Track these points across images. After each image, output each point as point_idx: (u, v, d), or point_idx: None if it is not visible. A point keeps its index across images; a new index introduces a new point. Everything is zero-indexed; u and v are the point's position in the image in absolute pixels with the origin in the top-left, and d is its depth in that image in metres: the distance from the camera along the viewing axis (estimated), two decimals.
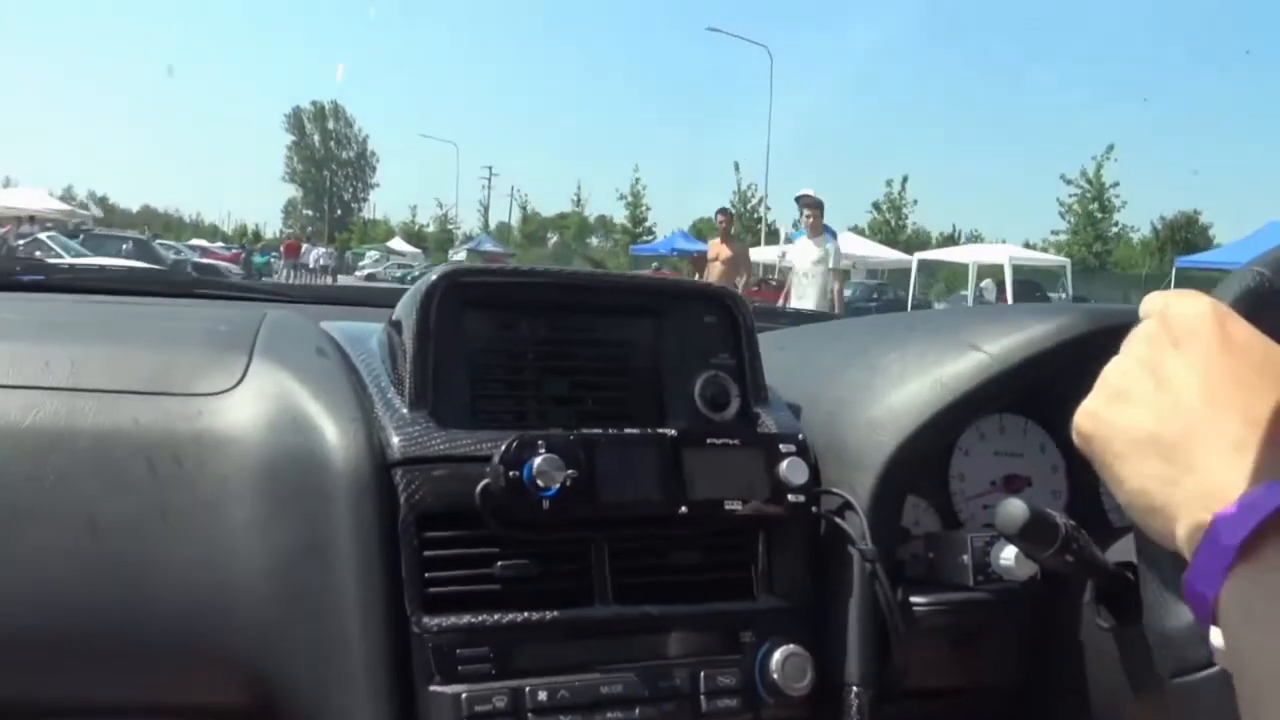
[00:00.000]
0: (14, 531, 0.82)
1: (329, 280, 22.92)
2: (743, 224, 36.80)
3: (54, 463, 0.84)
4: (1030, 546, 0.77)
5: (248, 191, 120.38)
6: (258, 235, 36.20)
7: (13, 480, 0.83)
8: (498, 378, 0.96)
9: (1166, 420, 0.53)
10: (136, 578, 0.83)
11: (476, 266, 1.01)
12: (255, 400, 0.91)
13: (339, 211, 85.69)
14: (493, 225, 66.45)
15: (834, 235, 8.17)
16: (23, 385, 0.88)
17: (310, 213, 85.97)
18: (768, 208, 37.86)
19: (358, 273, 38.29)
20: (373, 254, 48.94)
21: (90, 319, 1.13)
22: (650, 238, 45.01)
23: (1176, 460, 0.52)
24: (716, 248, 9.43)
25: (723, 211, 9.93)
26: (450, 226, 68.30)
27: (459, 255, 44.13)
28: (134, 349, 0.97)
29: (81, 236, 18.55)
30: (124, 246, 17.54)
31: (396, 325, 0.96)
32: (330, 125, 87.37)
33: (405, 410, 0.89)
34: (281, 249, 33.63)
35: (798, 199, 8.37)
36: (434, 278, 0.95)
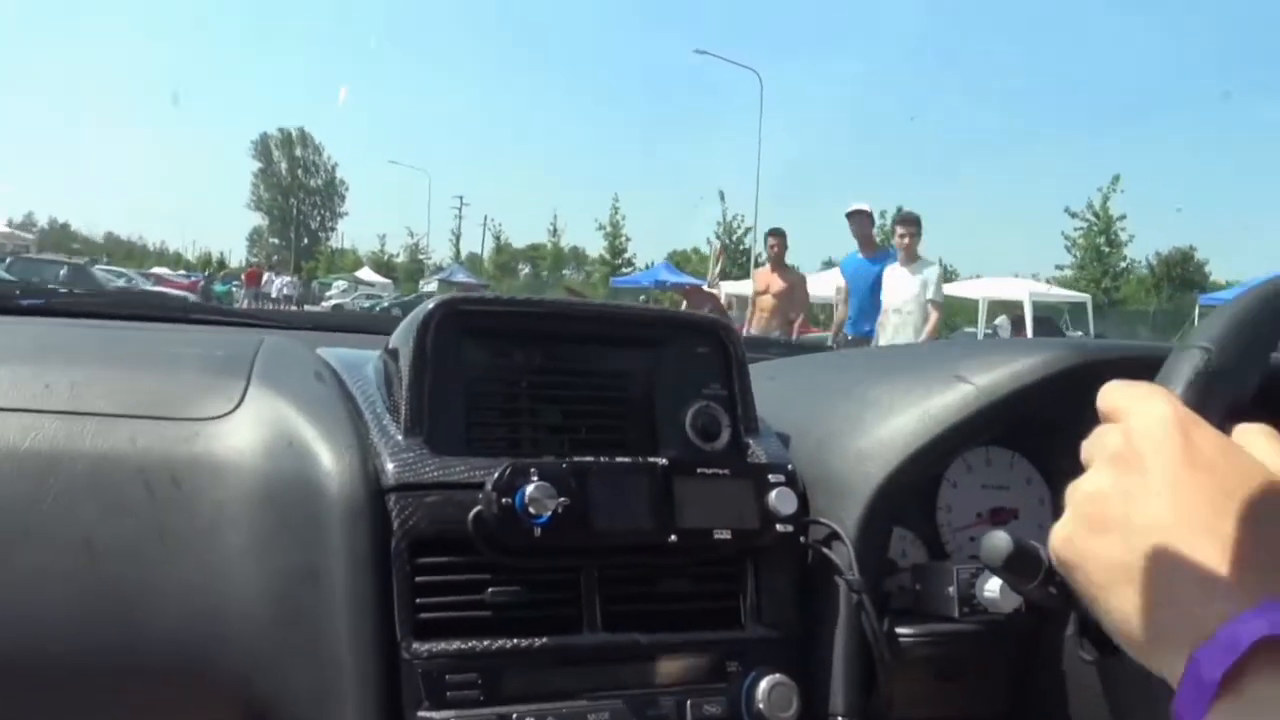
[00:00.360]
0: (11, 553, 0.83)
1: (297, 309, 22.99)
2: (728, 256, 36.28)
3: (52, 485, 0.85)
4: (1014, 579, 0.78)
5: (213, 220, 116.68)
6: (222, 263, 34.69)
7: (11, 502, 0.84)
8: (492, 405, 0.97)
9: (1140, 550, 0.51)
10: (133, 601, 0.83)
11: (474, 296, 1.02)
12: (252, 425, 0.92)
13: (306, 240, 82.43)
14: (464, 255, 65.06)
15: (932, 261, 6.85)
16: (22, 408, 0.89)
17: (276, 241, 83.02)
18: (747, 238, 36.25)
19: (324, 303, 36.88)
20: (340, 284, 47.91)
21: (89, 343, 1.14)
22: (629, 269, 44.57)
23: (1154, 591, 0.51)
24: (765, 277, 7.99)
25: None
26: (421, 256, 66.73)
27: (430, 286, 42.85)
28: (133, 373, 0.99)
29: (9, 260, 18.67)
30: (60, 272, 17.77)
31: (393, 352, 0.98)
32: (298, 152, 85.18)
33: (400, 437, 0.90)
34: (243, 277, 32.71)
35: (851, 215, 7.08)
36: (431, 306, 0.96)
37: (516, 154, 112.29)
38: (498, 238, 62.42)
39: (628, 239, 46.54)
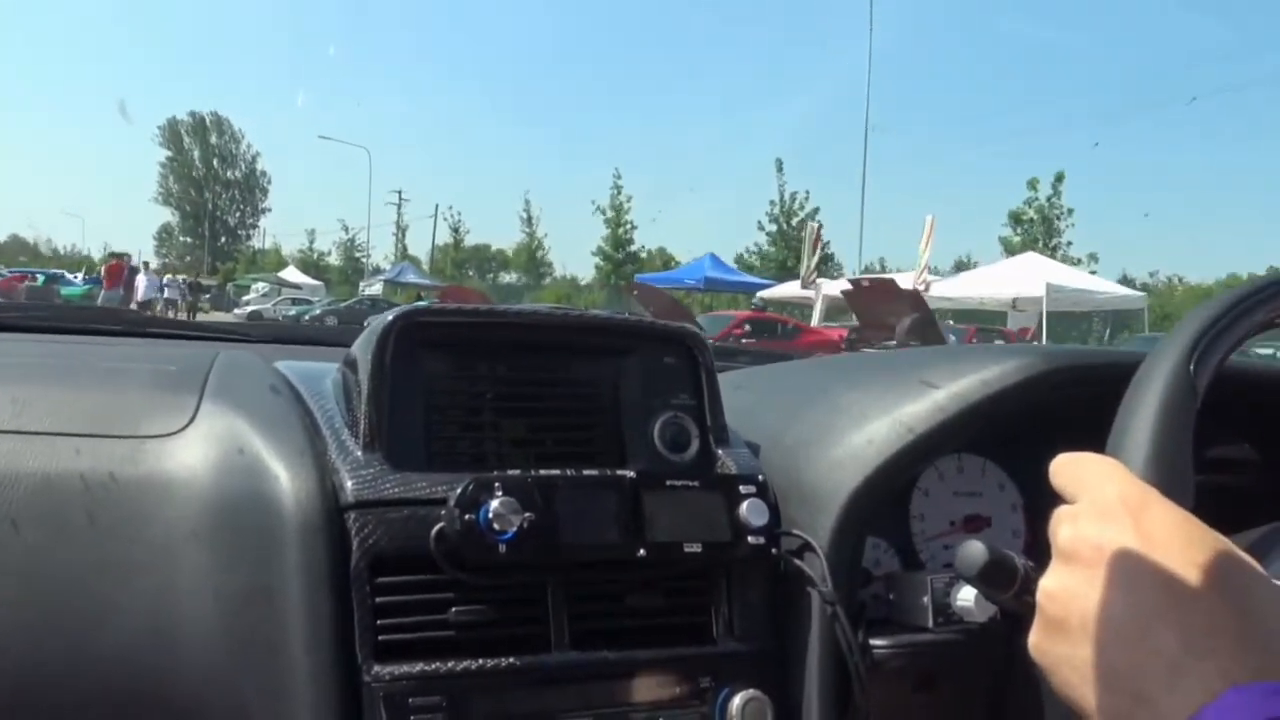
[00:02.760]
0: None
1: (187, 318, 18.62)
2: (785, 243, 31.84)
3: None
4: (989, 589, 0.77)
5: (121, 216, 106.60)
6: (172, 269, 31.35)
7: None
8: (455, 419, 0.95)
9: (1106, 650, 0.51)
10: (80, 626, 0.80)
11: (434, 306, 1.00)
12: (205, 442, 0.89)
13: (224, 239, 75.06)
14: (417, 252, 56.95)
15: None
16: None
17: (188, 240, 75.52)
18: (810, 220, 28.61)
19: (239, 310, 31.65)
20: (260, 286, 41.84)
21: (36, 359, 1.10)
22: (634, 267, 36.80)
23: (1123, 691, 0.50)
24: None
25: None
26: (359, 255, 57.43)
27: (373, 288, 38.22)
28: (81, 390, 0.95)
29: None
30: None
31: (351, 365, 0.95)
32: (213, 140, 75.06)
33: (359, 452, 0.88)
34: (101, 274, 23.76)
35: None
36: (390, 317, 0.94)
37: (471, 128, 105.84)
38: (455, 229, 53.29)
39: (632, 226, 38.13)
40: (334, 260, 60.48)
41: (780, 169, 33.98)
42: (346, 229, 58.89)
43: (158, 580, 0.82)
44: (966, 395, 0.95)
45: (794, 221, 32.96)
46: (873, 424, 0.96)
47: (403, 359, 0.92)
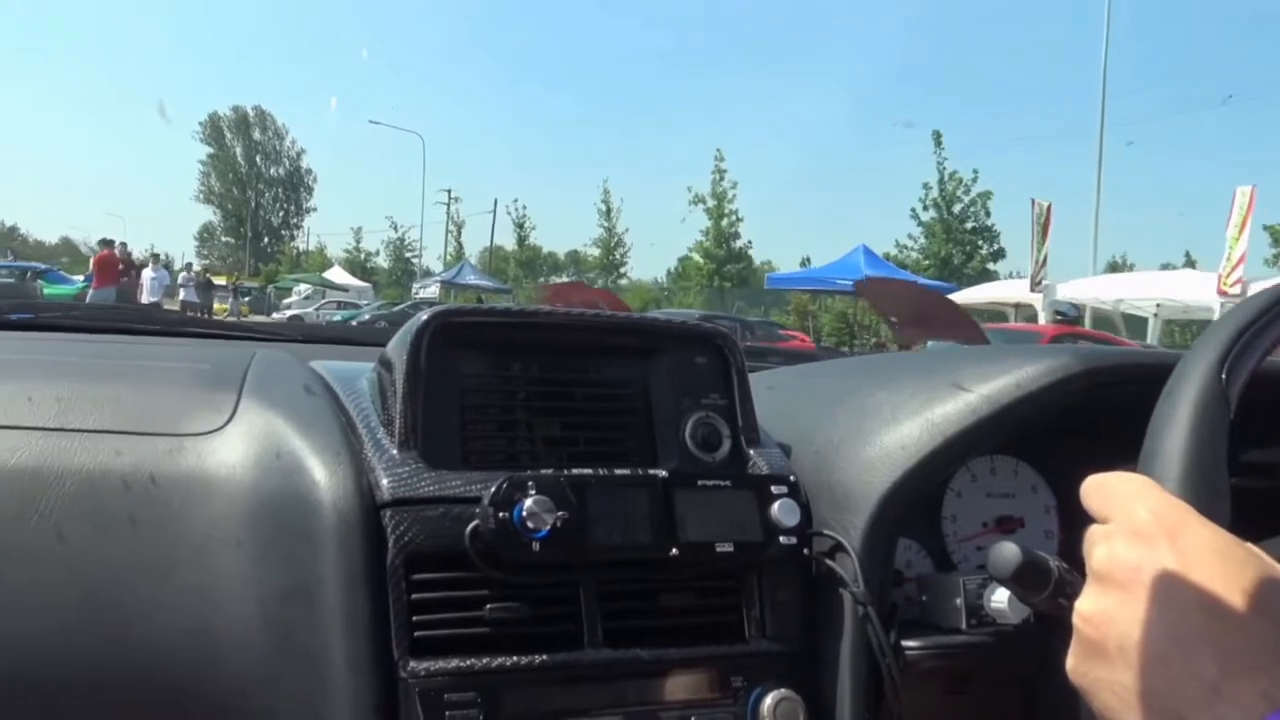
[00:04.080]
0: (0, 573, 0.81)
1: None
2: (949, 234, 26.48)
3: (39, 504, 0.83)
4: (1022, 591, 0.76)
5: (165, 216, 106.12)
6: (188, 266, 26.23)
7: None
8: (489, 418, 0.96)
9: (1145, 673, 0.50)
10: (123, 619, 0.82)
11: (468, 306, 1.01)
12: (243, 440, 0.90)
13: (266, 239, 71.06)
14: (472, 253, 49.66)
15: None
16: (9, 425, 0.88)
17: (230, 240, 72.13)
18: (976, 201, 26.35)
19: (279, 314, 29.69)
20: (302, 288, 39.18)
21: (78, 358, 1.12)
22: (741, 265, 32.38)
23: (1163, 714, 0.49)
24: None
25: None
26: (409, 254, 52.60)
27: (428, 290, 34.54)
28: (122, 388, 0.97)
29: None
30: None
31: (387, 364, 0.96)
32: (256, 136, 71.44)
33: (394, 451, 0.89)
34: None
35: None
36: (425, 317, 0.95)
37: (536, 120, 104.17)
38: (520, 225, 45.36)
39: (738, 218, 32.34)
40: (382, 261, 56.52)
41: (939, 142, 27.05)
42: (396, 227, 54.08)
43: (198, 578, 0.83)
44: (998, 397, 0.95)
45: (955, 208, 27.23)
46: (904, 425, 0.96)
47: (437, 359, 0.93)
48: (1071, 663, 0.56)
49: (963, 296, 16.96)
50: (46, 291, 20.42)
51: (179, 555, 0.83)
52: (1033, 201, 18.87)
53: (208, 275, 27.26)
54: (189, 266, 26.73)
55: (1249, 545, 0.53)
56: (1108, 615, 0.53)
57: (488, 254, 49.77)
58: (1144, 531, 0.53)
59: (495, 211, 48.04)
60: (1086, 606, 0.55)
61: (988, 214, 26.89)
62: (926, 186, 27.71)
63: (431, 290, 34.41)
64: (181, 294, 21.62)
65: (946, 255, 26.68)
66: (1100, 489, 0.58)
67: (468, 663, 0.82)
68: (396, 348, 0.94)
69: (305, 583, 0.82)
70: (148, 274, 17.91)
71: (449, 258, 47.88)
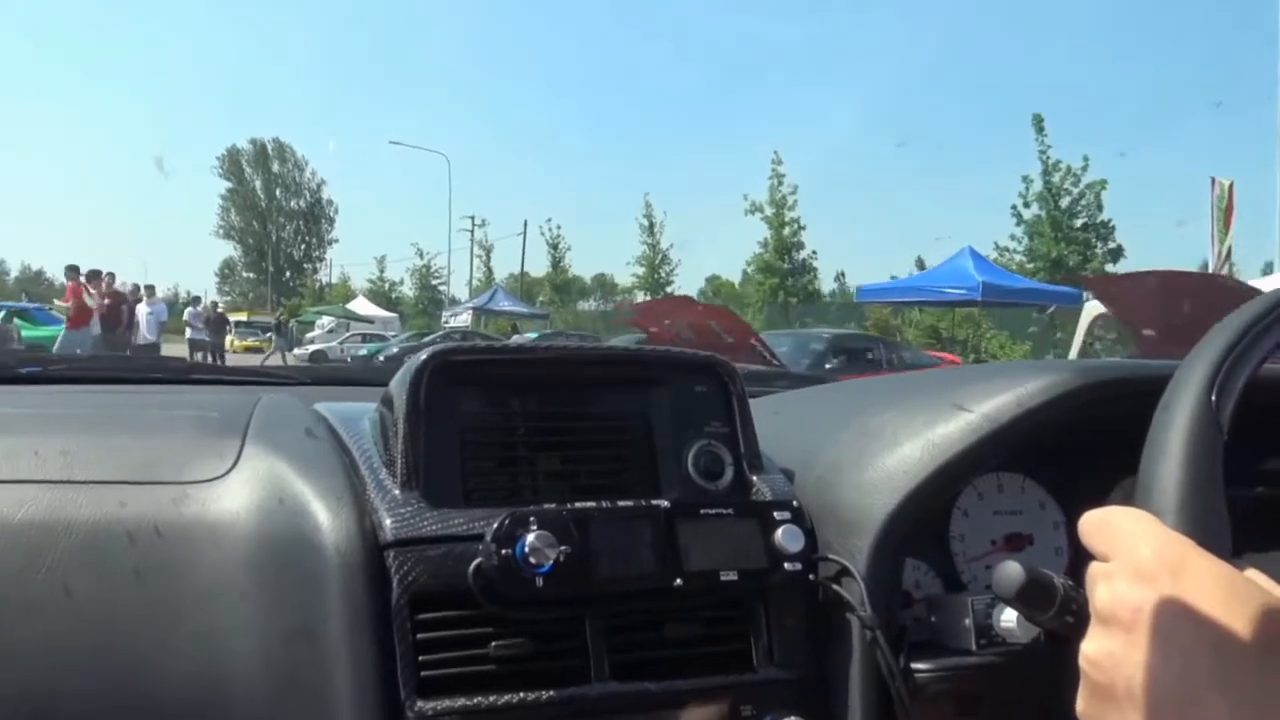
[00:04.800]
0: (8, 625, 0.81)
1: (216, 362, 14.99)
2: (1058, 232, 22.18)
3: (46, 557, 0.83)
4: (1029, 609, 0.76)
5: (186, 255, 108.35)
6: (195, 300, 23.32)
7: (6, 575, 0.83)
8: (490, 455, 0.96)
9: (1155, 717, 0.49)
10: (130, 668, 0.82)
11: (465, 345, 1.01)
12: (247, 486, 0.90)
13: (288, 273, 69.85)
14: (500, 278, 46.32)
15: None
16: (14, 480, 0.88)
17: (251, 275, 71.31)
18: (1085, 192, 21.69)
19: (300, 350, 27.46)
20: (326, 321, 37.44)
21: (84, 409, 1.13)
22: (803, 280, 28.99)
23: None
24: None
25: None
26: (436, 282, 50.19)
27: (459, 319, 33.00)
28: (126, 438, 0.98)
29: None
30: None
31: (388, 404, 0.97)
32: (275, 168, 70.77)
33: (397, 491, 0.89)
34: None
35: None
36: (424, 357, 0.95)
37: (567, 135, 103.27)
38: (554, 246, 42.31)
39: (800, 226, 28.43)
40: (408, 290, 54.58)
41: (1041, 128, 22.92)
42: (421, 254, 51.91)
43: (204, 624, 0.83)
44: (999, 415, 0.95)
45: (1063, 203, 22.89)
46: (905, 447, 0.96)
47: (437, 397, 0.93)
48: (1081, 706, 0.55)
49: (1095, 305, 13.59)
50: (25, 334, 17.67)
51: (185, 602, 0.84)
52: (1212, 181, 16.10)
53: (219, 310, 24.44)
54: (195, 300, 23.63)
55: (1252, 576, 0.52)
56: (1114, 658, 0.52)
57: (515, 279, 46.96)
58: (1146, 571, 0.52)
59: (525, 234, 45.57)
60: (1091, 649, 0.54)
61: (1100, 207, 22.80)
62: (1027, 179, 23.49)
63: (463, 318, 33.07)
64: (188, 332, 19.08)
65: (1058, 256, 22.59)
66: (1100, 527, 0.57)
67: (474, 701, 0.82)
68: (398, 387, 0.95)
69: (310, 625, 0.82)
70: (143, 310, 15.01)
71: (477, 284, 45.92)
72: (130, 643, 0.82)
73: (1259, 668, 0.47)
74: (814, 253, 29.66)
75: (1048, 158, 22.93)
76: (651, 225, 35.67)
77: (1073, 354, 12.76)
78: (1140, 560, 0.52)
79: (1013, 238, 24.19)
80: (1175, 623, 0.49)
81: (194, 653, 0.82)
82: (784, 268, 28.95)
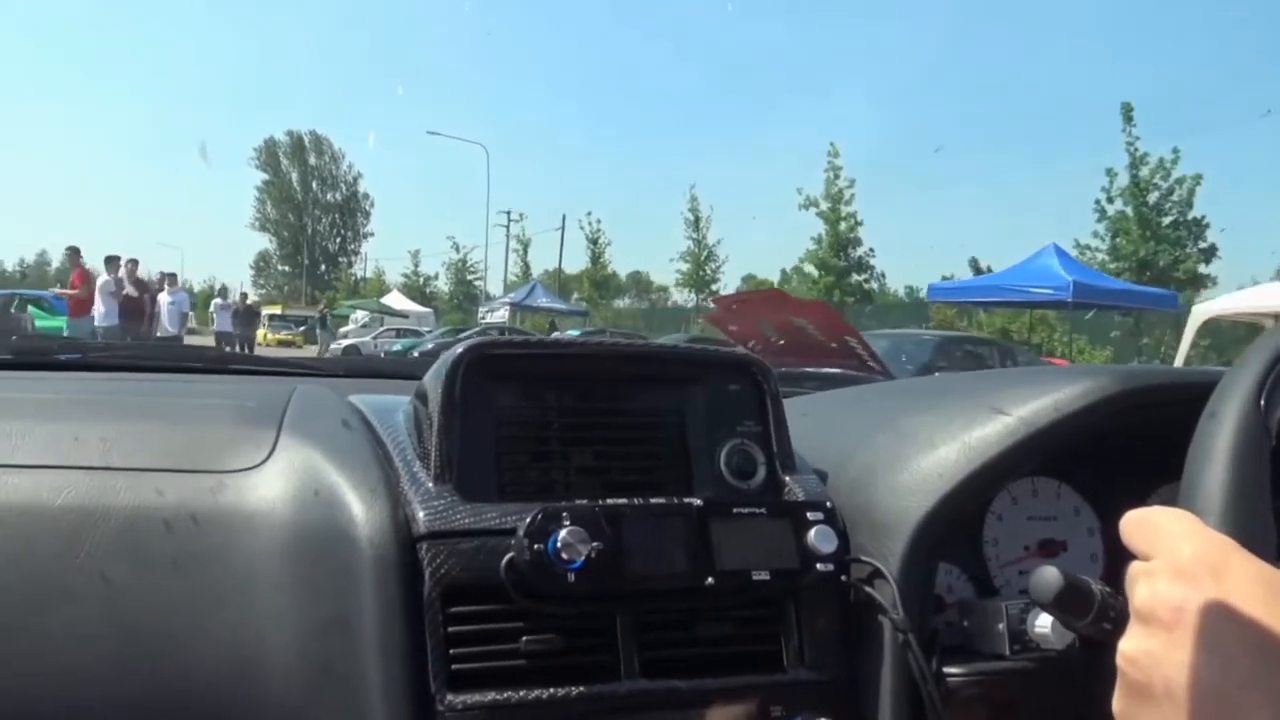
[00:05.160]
0: (46, 611, 0.82)
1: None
2: (1146, 230, 20.10)
3: (84, 542, 0.84)
4: (1065, 616, 0.75)
5: (222, 246, 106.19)
6: (223, 291, 21.12)
7: (44, 561, 0.84)
8: (523, 449, 0.96)
9: (1190, 717, 0.48)
10: (166, 655, 0.83)
11: (502, 340, 1.01)
12: (283, 476, 0.91)
13: (323, 266, 69.41)
14: (537, 273, 44.10)
15: None
16: (55, 465, 0.90)
17: (286, 269, 70.67)
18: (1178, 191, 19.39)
19: (335, 344, 25.51)
20: (359, 315, 36.42)
21: (123, 397, 1.14)
22: (863, 276, 26.95)
23: None
24: None
25: None
26: (472, 276, 48.05)
27: (496, 315, 31.17)
28: (165, 426, 0.99)
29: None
30: None
31: (422, 397, 0.97)
32: (312, 161, 70.17)
33: (430, 484, 0.89)
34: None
35: None
36: (460, 350, 0.95)
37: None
38: (594, 242, 39.32)
39: (857, 222, 25.88)
40: (442, 284, 53.37)
41: (1130, 118, 20.69)
42: (458, 248, 50.32)
43: (239, 612, 0.84)
44: (1036, 419, 0.94)
45: (1152, 199, 20.84)
46: (941, 450, 0.95)
47: (472, 391, 0.94)
48: (1117, 705, 0.54)
49: (1205, 308, 13.08)
50: (39, 324, 17.04)
51: (220, 591, 0.85)
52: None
53: (249, 303, 22.80)
54: (223, 290, 21.71)
55: None
56: (1153, 657, 0.51)
57: (551, 275, 45.74)
58: (1187, 570, 0.51)
59: (564, 228, 43.96)
60: (1130, 647, 0.53)
61: (1191, 204, 20.83)
62: (1111, 173, 21.36)
63: (500, 314, 31.37)
64: (215, 322, 18.17)
65: (1147, 255, 20.67)
66: (1141, 525, 0.56)
67: (504, 695, 0.82)
68: (433, 381, 0.95)
69: (343, 615, 0.83)
70: (164, 299, 14.11)
71: (513, 279, 43.61)
72: (165, 630, 0.83)
73: None
74: (870, 250, 27.20)
75: (1135, 150, 20.88)
76: (697, 220, 33.43)
77: (1179, 361, 12.22)
78: (1182, 559, 0.52)
79: (1095, 235, 22.18)
80: (1217, 623, 0.49)
81: (229, 641, 0.83)
82: (840, 265, 26.64)
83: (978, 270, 26.94)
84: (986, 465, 0.93)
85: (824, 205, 26.25)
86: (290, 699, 0.82)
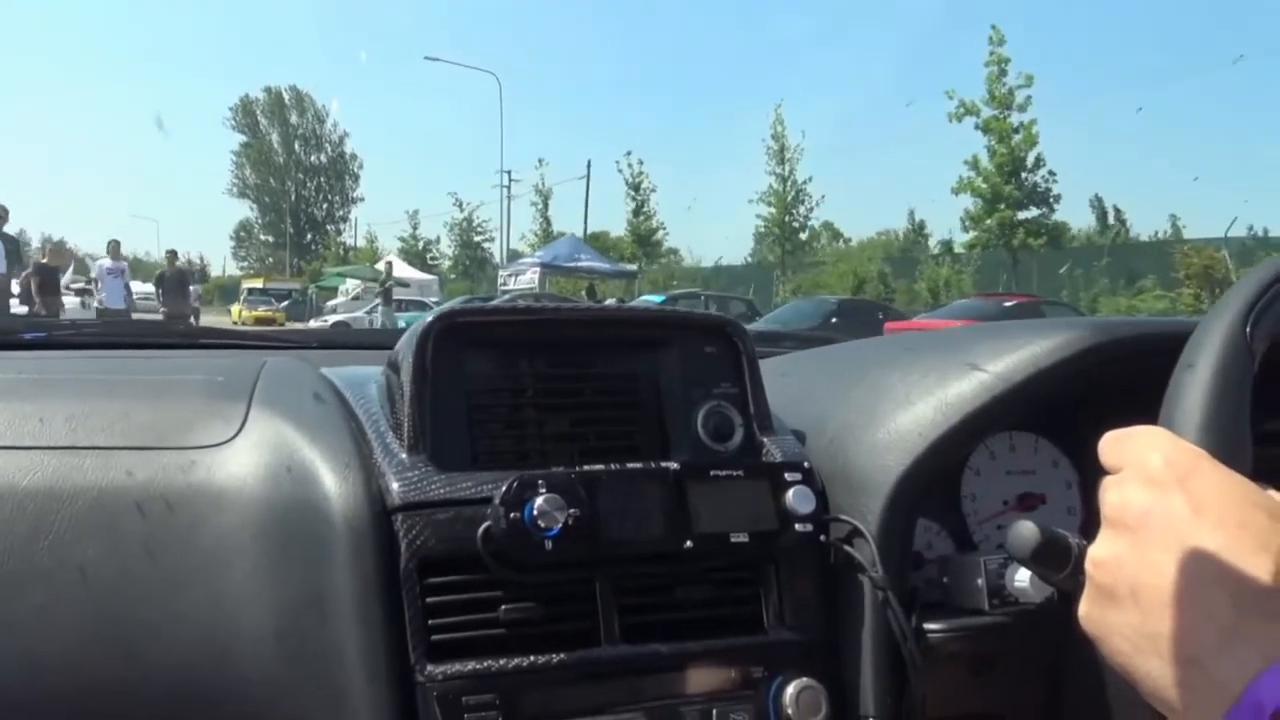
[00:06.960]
0: (14, 593, 0.81)
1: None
2: None
3: (52, 523, 0.83)
4: (1043, 569, 0.75)
5: (200, 217, 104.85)
6: (113, 247, 13.16)
7: (11, 542, 0.82)
8: (497, 417, 0.95)
9: (1156, 616, 0.49)
10: (137, 635, 0.82)
11: (470, 306, 1.00)
12: (253, 451, 0.90)
13: (309, 234, 64.35)
14: (564, 233, 32.97)
15: None
16: (20, 445, 0.88)
17: (269, 239, 65.79)
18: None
19: (321, 318, 23.93)
20: (350, 284, 32.07)
21: (89, 374, 1.12)
22: (1041, 211, 20.55)
23: (1177, 656, 0.48)
24: None
25: None
26: (480, 238, 42.46)
27: (524, 278, 25.18)
28: (132, 403, 0.97)
29: None
30: None
31: (394, 367, 0.96)
32: (293, 119, 64.70)
33: (404, 455, 0.88)
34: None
35: None
36: (430, 318, 0.94)
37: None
38: (636, 189, 32.31)
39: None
40: (445, 248, 47.41)
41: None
42: (461, 205, 43.92)
43: (211, 590, 0.83)
44: (1013, 374, 0.94)
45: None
46: (918, 406, 0.95)
47: (444, 359, 0.92)
48: (1084, 609, 0.55)
49: None
50: None
51: (192, 569, 0.83)
52: None
53: (178, 264, 17.18)
54: (114, 247, 13.84)
55: (1265, 489, 0.52)
56: (1119, 560, 0.52)
57: (577, 238, 33.82)
58: (1156, 477, 0.53)
59: (589, 176, 36.03)
60: (1099, 552, 0.54)
61: None
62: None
63: (528, 277, 25.16)
64: (102, 290, 13.45)
65: None
66: (1116, 441, 0.57)
67: (485, 664, 0.81)
68: (404, 350, 0.94)
69: (319, 591, 0.82)
70: (104, 267, 12.61)
71: (532, 239, 36.27)
72: (136, 609, 0.82)
73: (1263, 569, 0.47)
74: (1052, 173, 20.30)
75: None
76: (782, 150, 26.51)
77: None
78: (1151, 468, 0.53)
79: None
80: (1181, 525, 0.50)
81: (200, 619, 0.82)
82: (1016, 194, 19.89)
83: None
84: (964, 421, 0.93)
85: (986, 113, 19.66)
86: (268, 677, 0.81)
